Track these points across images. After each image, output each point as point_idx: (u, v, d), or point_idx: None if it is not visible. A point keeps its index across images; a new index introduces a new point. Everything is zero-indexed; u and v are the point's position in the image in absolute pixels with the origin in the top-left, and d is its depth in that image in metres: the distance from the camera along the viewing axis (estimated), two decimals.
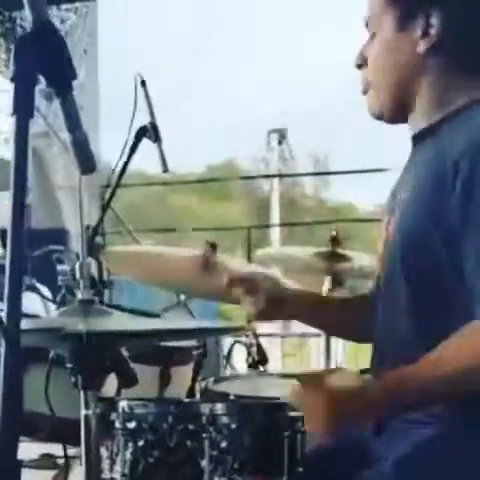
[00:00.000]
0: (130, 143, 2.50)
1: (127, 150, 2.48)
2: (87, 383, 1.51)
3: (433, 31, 1.62)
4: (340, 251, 3.07)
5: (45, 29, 1.09)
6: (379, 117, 1.74)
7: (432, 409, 1.53)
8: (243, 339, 2.84)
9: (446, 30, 1.61)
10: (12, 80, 1.05)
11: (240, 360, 2.90)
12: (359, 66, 1.75)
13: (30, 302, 2.73)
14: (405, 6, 1.65)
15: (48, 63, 1.08)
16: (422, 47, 1.63)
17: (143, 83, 2.45)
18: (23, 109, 1.04)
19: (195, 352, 2.49)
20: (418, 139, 1.70)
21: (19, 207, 1.00)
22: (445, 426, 1.53)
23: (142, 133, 2.50)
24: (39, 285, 3.11)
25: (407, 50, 1.65)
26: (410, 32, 1.64)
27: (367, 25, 1.74)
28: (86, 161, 1.21)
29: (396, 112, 1.72)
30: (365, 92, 1.74)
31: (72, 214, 8.34)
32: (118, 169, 2.53)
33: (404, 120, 1.73)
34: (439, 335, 1.43)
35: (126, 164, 2.50)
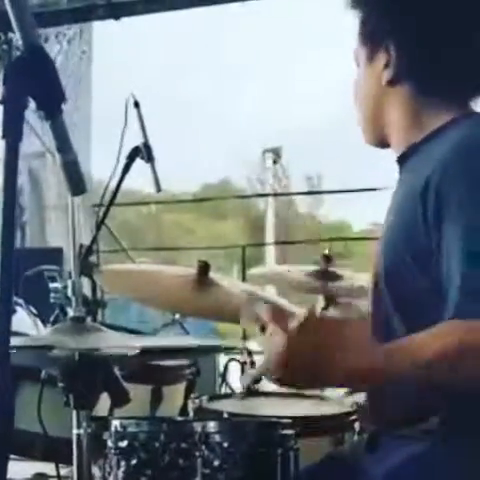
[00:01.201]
0: (122, 163, 2.52)
1: (119, 170, 2.50)
2: (79, 402, 1.52)
3: (392, 61, 1.66)
4: (333, 269, 3.08)
5: (35, 53, 1.11)
6: (368, 143, 1.82)
7: (424, 425, 1.54)
8: (239, 357, 2.85)
9: (402, 59, 1.65)
10: (1, 103, 1.07)
11: (236, 378, 2.91)
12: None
13: (21, 321, 2.73)
14: (372, 40, 1.70)
15: (38, 87, 1.10)
16: (385, 78, 1.68)
17: (136, 104, 2.47)
18: (13, 132, 1.06)
19: (187, 371, 2.50)
20: (401, 163, 1.74)
21: (8, 227, 1.01)
22: (437, 442, 1.53)
23: (135, 153, 2.52)
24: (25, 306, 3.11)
25: (374, 82, 1.71)
26: (376, 64, 1.70)
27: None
28: (76, 183, 1.23)
29: (377, 140, 1.78)
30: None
31: (66, 233, 8.34)
32: (111, 188, 2.55)
33: (385, 146, 1.78)
34: None
35: (119, 183, 2.52)
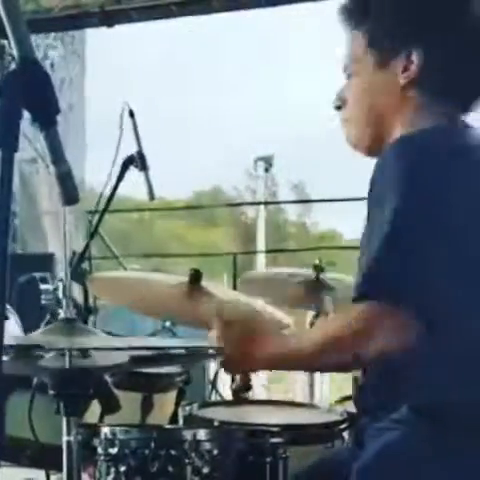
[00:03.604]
0: (117, 171, 2.53)
1: (113, 178, 2.52)
2: (70, 410, 1.53)
3: (413, 66, 1.69)
4: (323, 279, 3.10)
5: (30, 65, 1.12)
6: (357, 150, 1.82)
7: (396, 415, 1.57)
8: None
9: (426, 65, 1.68)
10: None
11: (226, 385, 2.92)
12: (338, 108, 1.82)
13: (13, 329, 2.74)
14: (389, 45, 1.71)
15: (33, 99, 1.11)
16: (402, 81, 1.70)
17: (131, 113, 2.48)
18: (8, 143, 1.07)
19: (178, 379, 2.50)
20: None
21: (2, 238, 1.02)
22: (406, 432, 1.56)
23: (129, 162, 2.54)
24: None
25: (387, 87, 1.72)
26: (391, 69, 1.71)
27: (346, 68, 1.80)
28: (69, 193, 1.24)
29: (373, 146, 1.78)
30: (343, 128, 1.82)
31: (57, 238, 8.35)
32: (105, 195, 2.57)
33: (375, 154, 1.78)
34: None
35: (113, 192, 2.53)
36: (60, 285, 1.63)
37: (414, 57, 1.68)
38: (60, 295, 1.61)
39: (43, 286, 2.45)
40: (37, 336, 1.63)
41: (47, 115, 1.15)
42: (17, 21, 1.12)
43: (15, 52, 1.12)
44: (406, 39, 1.69)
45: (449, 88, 1.71)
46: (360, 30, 1.75)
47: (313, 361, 1.62)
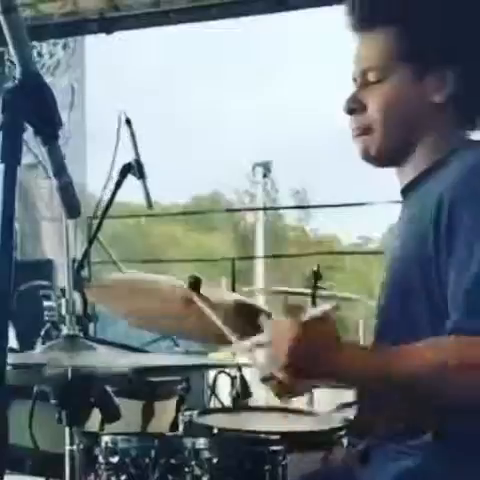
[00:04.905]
0: (114, 179, 2.54)
1: (111, 186, 2.52)
2: (71, 419, 1.53)
3: (449, 84, 1.65)
4: (321, 287, 3.11)
5: (33, 80, 1.13)
6: (373, 159, 1.76)
7: (415, 441, 1.56)
8: (227, 370, 2.86)
9: (461, 86, 1.65)
10: (0, 129, 1.09)
11: (225, 392, 2.92)
12: (352, 111, 1.75)
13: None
14: (421, 59, 1.67)
15: (35, 113, 1.12)
16: (437, 98, 1.67)
17: (128, 121, 2.49)
18: (11, 157, 1.08)
19: (179, 386, 2.51)
20: (409, 187, 1.73)
21: (8, 250, 1.03)
22: (427, 458, 1.55)
23: (127, 170, 2.54)
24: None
25: (421, 100, 1.68)
26: (425, 83, 1.67)
27: (364, 73, 1.73)
28: (71, 206, 1.25)
29: (395, 157, 1.74)
30: (360, 135, 1.75)
31: (56, 245, 8.35)
32: (103, 203, 2.57)
33: (398, 165, 1.75)
34: None
35: (111, 200, 2.54)
36: (63, 302, 1.64)
37: (449, 75, 1.65)
38: (63, 311, 1.62)
39: (46, 303, 2.46)
40: (40, 353, 1.64)
41: (49, 129, 1.16)
42: (19, 35, 1.13)
43: (17, 66, 1.13)
44: (445, 56, 1.65)
45: (475, 110, 1.70)
46: (380, 34, 1.69)
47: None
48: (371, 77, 1.71)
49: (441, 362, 1.41)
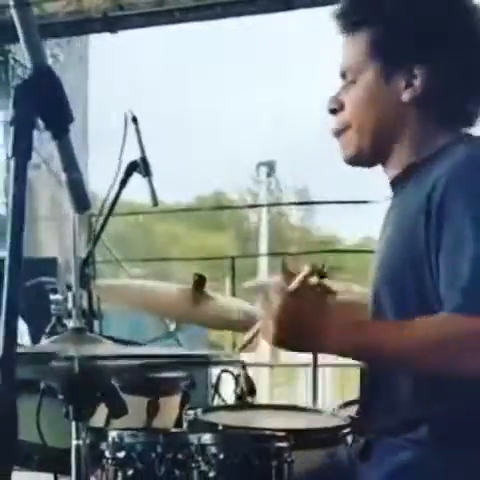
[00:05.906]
0: (120, 177, 2.54)
1: (117, 184, 2.53)
2: (79, 413, 1.54)
3: (417, 83, 1.68)
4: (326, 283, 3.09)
5: (44, 74, 1.14)
6: (353, 159, 1.79)
7: (412, 434, 1.57)
8: (231, 368, 2.86)
9: (430, 83, 1.67)
10: (11, 124, 1.10)
11: (229, 390, 2.92)
12: (334, 111, 1.78)
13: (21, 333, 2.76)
14: (389, 58, 1.70)
15: (46, 107, 1.13)
16: (406, 97, 1.69)
17: (134, 119, 2.50)
18: (21, 152, 1.09)
19: (183, 382, 2.51)
20: (396, 184, 1.76)
21: (17, 246, 1.04)
22: (423, 452, 1.57)
23: (132, 168, 2.55)
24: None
25: (390, 100, 1.71)
26: (394, 82, 1.70)
27: (344, 73, 1.78)
28: (81, 201, 1.26)
29: (374, 156, 1.77)
30: (338, 134, 1.78)
31: (58, 243, 8.36)
32: (108, 201, 2.58)
33: (380, 163, 1.79)
34: None
35: (116, 198, 2.54)
36: (70, 295, 1.65)
37: (418, 73, 1.67)
38: (70, 305, 1.64)
39: (53, 296, 2.47)
40: (47, 345, 1.64)
41: (60, 124, 1.16)
42: (30, 29, 1.13)
43: (29, 60, 1.13)
44: (411, 54, 1.68)
45: (453, 107, 1.71)
46: (358, 36, 1.73)
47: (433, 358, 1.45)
48: (349, 77, 1.76)
49: (443, 336, 1.44)
